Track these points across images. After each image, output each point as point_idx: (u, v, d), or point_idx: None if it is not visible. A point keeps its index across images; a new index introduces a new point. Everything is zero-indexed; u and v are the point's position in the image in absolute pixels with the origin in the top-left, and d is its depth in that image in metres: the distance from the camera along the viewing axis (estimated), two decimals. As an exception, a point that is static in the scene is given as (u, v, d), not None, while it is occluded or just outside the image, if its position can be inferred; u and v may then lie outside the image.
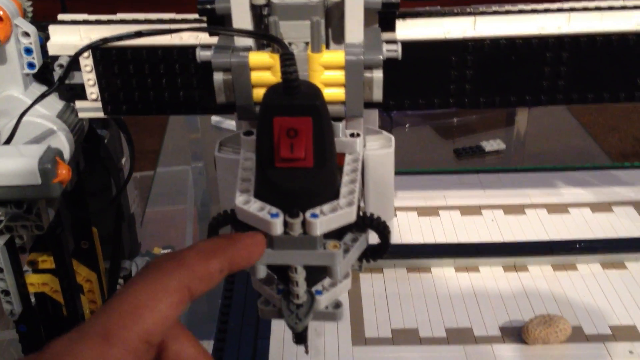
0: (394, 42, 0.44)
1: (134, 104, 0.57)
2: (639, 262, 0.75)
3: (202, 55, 0.44)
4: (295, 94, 0.38)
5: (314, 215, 0.40)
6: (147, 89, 0.56)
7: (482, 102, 0.54)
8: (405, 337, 0.65)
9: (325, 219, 0.40)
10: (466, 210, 0.86)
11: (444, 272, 0.74)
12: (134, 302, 0.32)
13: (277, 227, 0.40)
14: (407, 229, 0.82)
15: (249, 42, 0.43)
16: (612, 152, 2.10)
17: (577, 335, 0.64)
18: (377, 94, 0.43)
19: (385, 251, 0.45)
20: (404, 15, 0.52)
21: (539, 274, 0.73)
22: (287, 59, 0.38)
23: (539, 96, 0.54)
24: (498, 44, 0.52)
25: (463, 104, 0.54)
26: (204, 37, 0.54)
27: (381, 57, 0.42)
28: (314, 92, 0.39)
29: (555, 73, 0.54)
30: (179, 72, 0.55)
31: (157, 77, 0.55)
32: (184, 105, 0.56)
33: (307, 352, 0.52)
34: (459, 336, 0.65)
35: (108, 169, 0.68)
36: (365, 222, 0.44)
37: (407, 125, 1.36)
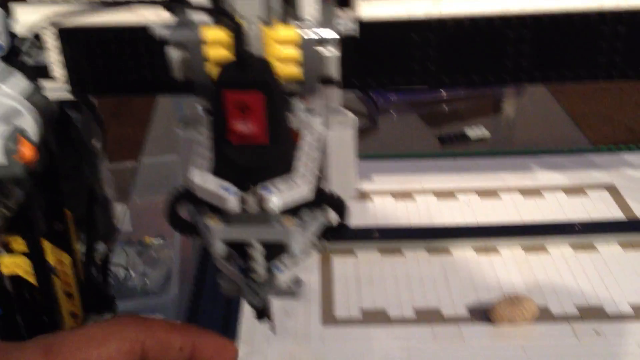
0: (350, 19, 0.44)
1: (101, 85, 0.57)
2: (610, 245, 0.76)
3: (159, 32, 0.44)
4: (246, 68, 0.38)
5: (269, 191, 0.40)
6: (113, 70, 0.56)
7: (446, 81, 0.54)
8: (375, 317, 0.65)
9: (281, 194, 0.40)
10: (441, 194, 0.86)
11: (417, 255, 0.75)
12: (84, 334, 0.32)
13: (232, 203, 0.40)
14: (382, 212, 0.83)
15: (206, 18, 0.44)
16: (605, 140, 2.10)
17: (544, 315, 0.65)
18: (332, 71, 0.43)
19: (344, 229, 0.45)
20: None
21: (510, 256, 0.74)
22: (238, 34, 0.38)
23: (502, 75, 0.54)
24: (462, 23, 0.52)
25: (426, 83, 0.55)
26: (166, 16, 0.54)
27: (336, 34, 0.42)
28: (265, 67, 0.39)
29: (518, 52, 0.54)
30: (144, 51, 0.55)
31: (123, 58, 0.55)
32: (151, 85, 0.56)
33: (274, 332, 0.53)
34: (428, 316, 0.65)
35: (79, 151, 0.68)
36: (322, 198, 0.44)
37: (392, 113, 1.36)
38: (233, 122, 0.39)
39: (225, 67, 0.39)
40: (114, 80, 0.56)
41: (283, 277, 0.45)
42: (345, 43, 0.45)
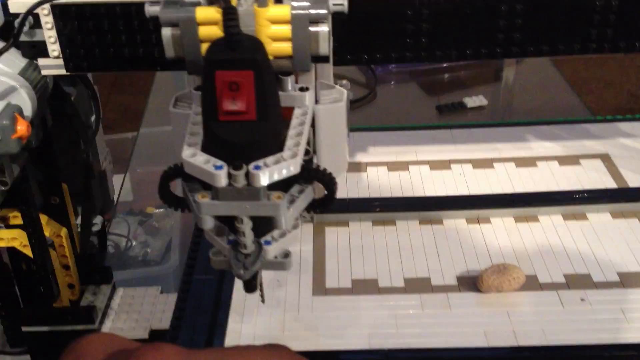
0: (339, -5, 0.45)
1: (95, 61, 0.57)
2: (600, 213, 0.77)
3: (150, 10, 0.45)
4: (236, 47, 0.39)
5: (257, 167, 0.41)
6: (107, 46, 0.56)
7: (439, 55, 0.55)
8: (365, 287, 0.67)
9: (269, 170, 0.41)
10: (435, 165, 0.87)
11: (408, 225, 0.76)
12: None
13: (221, 179, 0.41)
14: (376, 184, 0.84)
15: (198, -3, 0.44)
16: (607, 107, 2.09)
17: (531, 283, 0.66)
18: (324, 48, 0.44)
19: (331, 202, 0.47)
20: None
21: (501, 226, 0.75)
22: (229, 13, 0.39)
23: (495, 49, 0.55)
24: (453, -3, 0.53)
25: (420, 57, 0.55)
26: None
27: (326, 11, 0.43)
28: (256, 45, 0.40)
29: (510, 26, 0.55)
30: (137, 28, 0.55)
31: (116, 34, 0.56)
32: (143, 61, 0.57)
33: (263, 301, 0.54)
34: (417, 286, 0.66)
35: (75, 125, 0.69)
36: (311, 174, 0.45)
37: (392, 83, 1.37)
38: (222, 99, 0.40)
39: (215, 46, 0.40)
40: (107, 56, 0.57)
41: (272, 250, 0.46)
42: (337, 19, 0.45)
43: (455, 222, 0.76)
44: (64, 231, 0.70)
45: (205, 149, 0.42)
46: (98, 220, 0.78)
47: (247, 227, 0.44)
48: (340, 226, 0.76)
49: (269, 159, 0.42)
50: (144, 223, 1.05)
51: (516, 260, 0.69)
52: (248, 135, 0.41)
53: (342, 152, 0.52)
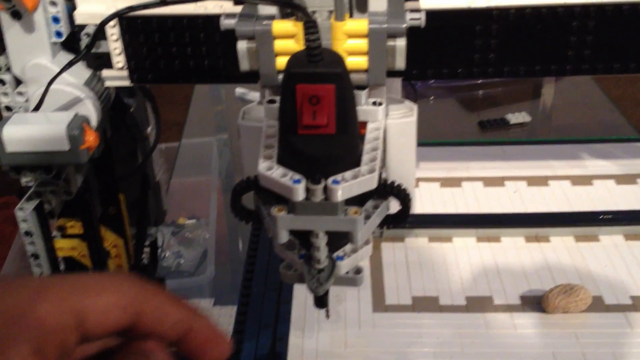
0: (417, 10, 0.44)
1: (160, 73, 0.57)
2: (662, 234, 0.75)
3: (225, 23, 0.44)
4: (318, 61, 0.39)
5: (336, 182, 0.40)
6: (172, 58, 0.57)
7: (506, 71, 0.54)
8: (426, 304, 0.66)
9: (347, 185, 0.41)
10: (489, 182, 0.86)
11: (466, 242, 0.74)
12: (80, 281, 0.30)
13: (299, 193, 0.40)
14: (429, 199, 0.83)
15: (273, 10, 0.44)
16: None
17: (598, 305, 0.65)
18: (400, 62, 0.43)
19: (406, 218, 0.46)
20: (428, -16, 0.52)
21: (561, 245, 0.73)
22: (310, 27, 0.38)
23: (565, 66, 0.54)
24: (523, 12, 0.52)
25: (487, 73, 0.54)
26: (227, 7, 0.54)
27: (404, 25, 0.42)
28: (337, 60, 0.39)
29: (581, 42, 0.53)
30: (203, 40, 0.55)
31: (182, 46, 0.56)
32: (208, 73, 0.57)
33: (327, 316, 0.53)
34: (479, 304, 0.65)
35: (134, 136, 0.69)
36: (387, 189, 0.44)
37: (431, 98, 1.36)
38: (302, 113, 0.39)
39: (296, 60, 0.40)
40: (172, 67, 0.57)
41: (344, 266, 0.46)
42: (409, 34, 0.45)
43: (514, 240, 0.74)
44: (120, 242, 0.71)
45: (281, 161, 0.42)
46: (152, 231, 0.78)
47: (322, 242, 0.43)
48: (396, 242, 0.75)
49: (347, 174, 0.41)
50: (177, 234, 1.05)
51: (579, 280, 0.68)
52: (327, 149, 0.40)
53: (410, 168, 0.51)
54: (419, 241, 0.75)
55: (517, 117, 1.25)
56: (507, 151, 0.93)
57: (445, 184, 0.86)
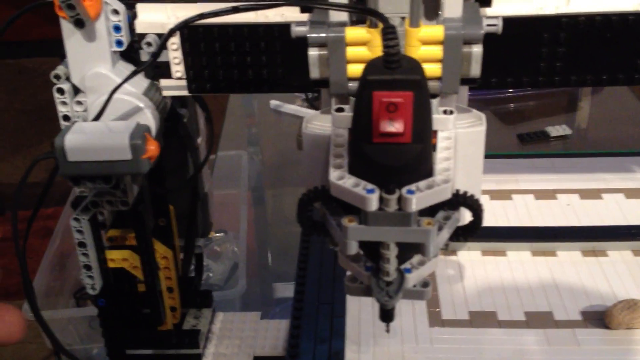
0: (494, 16, 0.43)
1: (218, 82, 0.57)
2: None
3: (297, 30, 0.44)
4: (396, 68, 0.38)
5: (410, 192, 0.39)
6: (231, 67, 0.56)
7: (573, 80, 0.53)
8: (484, 319, 0.64)
9: (422, 195, 0.40)
10: (540, 194, 0.84)
11: (520, 256, 0.73)
12: None
13: (373, 203, 0.39)
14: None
15: (343, 17, 0.43)
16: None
17: (662, 321, 0.63)
18: (475, 70, 0.42)
19: (477, 230, 0.45)
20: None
21: (619, 259, 0.72)
22: (389, 33, 0.38)
23: (633, 75, 0.53)
24: (593, 20, 0.50)
25: (553, 82, 0.53)
26: (289, 15, 0.53)
27: (482, 32, 0.41)
28: (416, 66, 0.39)
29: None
30: (264, 50, 0.55)
31: (242, 55, 0.55)
32: (266, 83, 0.56)
33: (387, 330, 0.52)
34: (539, 320, 0.64)
35: (186, 147, 0.69)
36: (459, 199, 0.43)
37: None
38: (379, 121, 0.38)
39: (373, 66, 0.39)
40: (231, 77, 0.56)
41: (412, 279, 0.45)
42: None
43: (570, 254, 0.73)
44: (169, 253, 0.70)
45: (353, 171, 0.41)
46: (200, 242, 0.77)
47: (392, 253, 0.42)
48: (447, 255, 0.73)
49: (421, 184, 0.40)
50: (206, 247, 1.04)
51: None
52: (403, 159, 0.39)
53: (478, 178, 0.50)
54: (472, 254, 0.73)
55: (557, 130, 1.24)
56: (555, 163, 0.92)
57: (495, 196, 0.84)
